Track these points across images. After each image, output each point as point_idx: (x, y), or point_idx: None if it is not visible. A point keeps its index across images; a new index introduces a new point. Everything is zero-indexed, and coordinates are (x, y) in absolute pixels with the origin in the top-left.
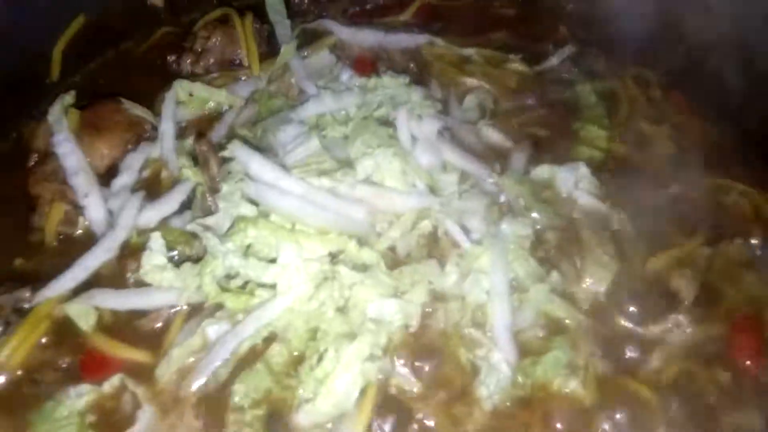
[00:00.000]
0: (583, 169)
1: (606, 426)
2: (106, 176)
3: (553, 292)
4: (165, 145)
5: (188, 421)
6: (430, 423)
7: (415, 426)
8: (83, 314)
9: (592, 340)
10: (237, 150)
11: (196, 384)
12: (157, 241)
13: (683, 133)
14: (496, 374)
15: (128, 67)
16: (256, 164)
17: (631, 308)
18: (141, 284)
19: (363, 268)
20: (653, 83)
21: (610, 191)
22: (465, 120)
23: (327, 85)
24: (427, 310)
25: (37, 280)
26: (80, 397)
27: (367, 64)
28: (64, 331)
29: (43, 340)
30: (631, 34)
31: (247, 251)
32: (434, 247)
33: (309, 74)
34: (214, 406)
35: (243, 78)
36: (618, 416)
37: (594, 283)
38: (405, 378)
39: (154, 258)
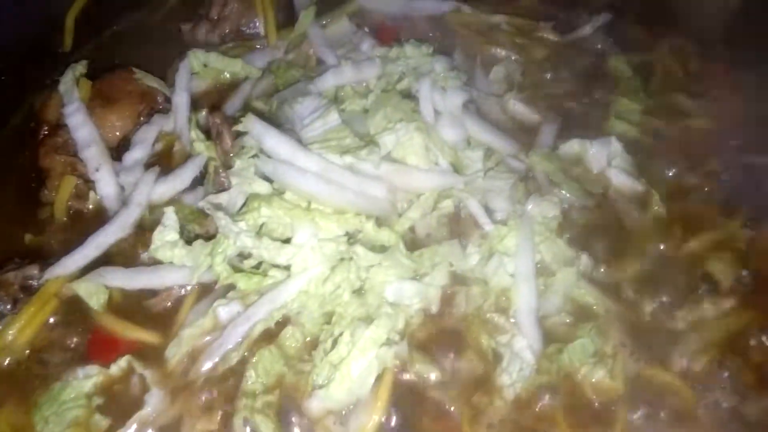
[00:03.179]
0: (616, 145)
1: (635, 418)
2: (117, 149)
3: (582, 277)
4: (178, 118)
5: (197, 406)
6: (449, 411)
7: (433, 414)
8: (93, 293)
9: (622, 327)
10: (251, 124)
11: (207, 367)
12: (170, 216)
13: (723, 107)
14: (519, 362)
15: (142, 37)
16: (272, 139)
17: (664, 294)
18: (153, 263)
19: (381, 249)
20: (692, 54)
21: (644, 168)
22: (491, 92)
23: (347, 55)
24: (447, 293)
25: (46, 256)
26: (88, 378)
27: (390, 33)
28: (72, 311)
29: (51, 320)
30: (669, 1)
31: (260, 231)
32: (456, 228)
33: (328, 43)
34: (225, 391)
35: (259, 47)
36: (647, 409)
37: (626, 267)
38: (423, 364)
39: (167, 234)
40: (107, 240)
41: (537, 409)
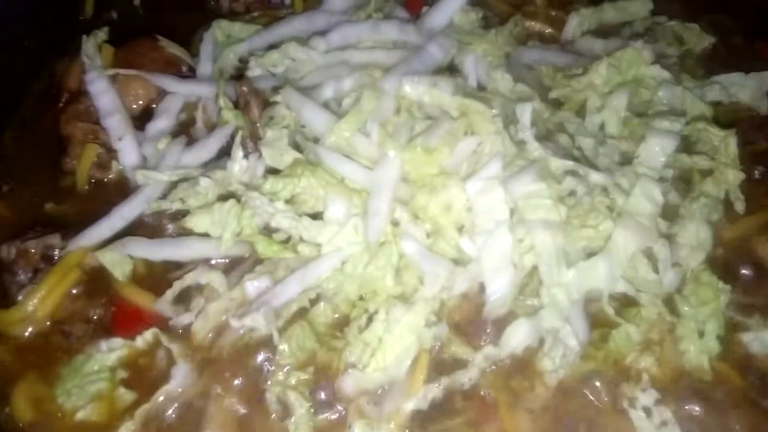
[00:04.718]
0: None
1: (686, 408)
2: (140, 118)
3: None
4: (203, 88)
5: (225, 381)
6: (487, 396)
7: (470, 397)
8: (118, 263)
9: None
10: (289, 95)
11: (234, 341)
12: (204, 181)
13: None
14: (563, 347)
15: (164, 4)
16: (309, 112)
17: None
18: (178, 234)
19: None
20: (734, 30)
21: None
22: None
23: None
24: None
25: (67, 225)
26: (112, 351)
27: (419, 2)
28: (95, 282)
29: (74, 291)
30: None
31: (291, 201)
32: None
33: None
34: (254, 366)
35: (284, 16)
36: (695, 401)
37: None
38: (460, 346)
39: (199, 199)
40: (133, 211)
41: (580, 397)
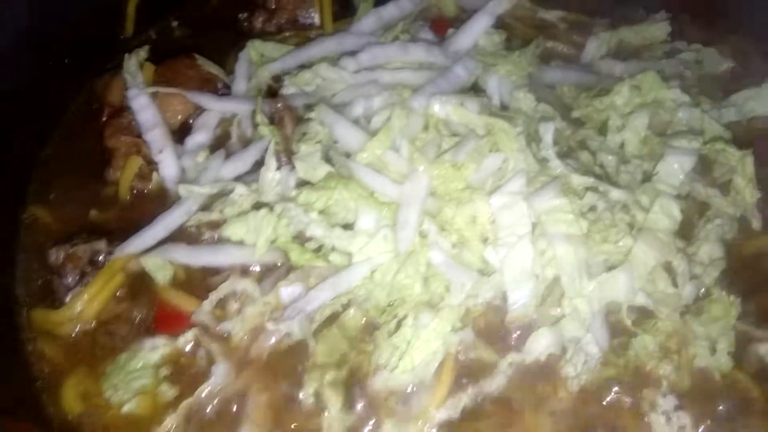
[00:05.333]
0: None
1: (703, 414)
2: (178, 133)
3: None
4: (238, 105)
5: (262, 379)
6: (511, 398)
7: (495, 399)
8: (159, 268)
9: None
10: (323, 113)
11: (269, 344)
12: (240, 190)
13: None
14: (584, 355)
15: (199, 25)
16: (341, 128)
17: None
18: (216, 242)
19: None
20: (753, 53)
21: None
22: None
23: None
24: None
25: (111, 233)
26: (155, 350)
27: (445, 25)
28: (138, 285)
29: (118, 294)
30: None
31: (323, 212)
32: None
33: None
34: (289, 366)
35: (314, 37)
36: (712, 409)
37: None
38: (485, 351)
39: (236, 208)
40: (175, 221)
41: (604, 402)
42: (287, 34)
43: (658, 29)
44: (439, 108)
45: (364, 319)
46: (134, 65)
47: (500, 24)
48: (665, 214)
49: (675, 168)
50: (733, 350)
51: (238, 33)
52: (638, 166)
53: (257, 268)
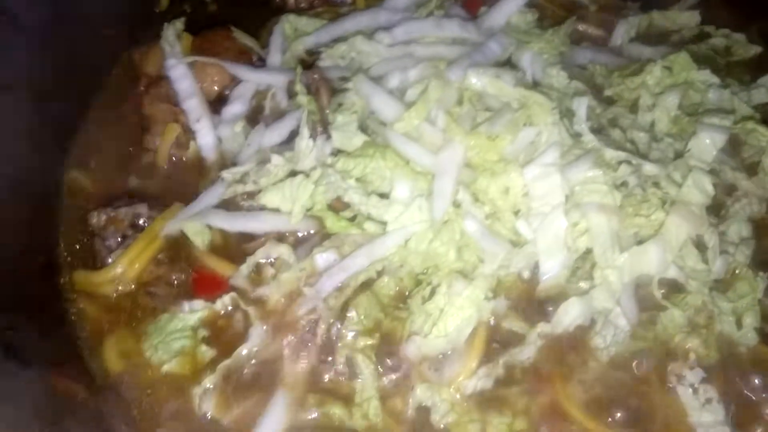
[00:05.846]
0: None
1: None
2: (214, 103)
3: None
4: (273, 77)
5: (297, 343)
6: (541, 369)
7: (526, 370)
8: (198, 233)
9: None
10: (360, 83)
11: (304, 309)
12: (276, 159)
13: None
14: (613, 328)
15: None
16: (378, 99)
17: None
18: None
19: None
20: None
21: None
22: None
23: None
24: None
25: (150, 198)
26: (194, 312)
27: (477, 3)
28: (177, 249)
29: (158, 256)
30: None
31: (359, 180)
32: None
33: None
34: (324, 330)
35: (347, 13)
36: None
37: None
38: (517, 321)
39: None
40: (215, 196)
41: (631, 373)
42: (319, 9)
43: (688, 16)
44: (475, 80)
45: (398, 287)
46: (172, 35)
47: (532, 3)
48: (698, 188)
49: (707, 144)
50: (759, 326)
51: (270, 9)
52: (670, 144)
53: (294, 236)
